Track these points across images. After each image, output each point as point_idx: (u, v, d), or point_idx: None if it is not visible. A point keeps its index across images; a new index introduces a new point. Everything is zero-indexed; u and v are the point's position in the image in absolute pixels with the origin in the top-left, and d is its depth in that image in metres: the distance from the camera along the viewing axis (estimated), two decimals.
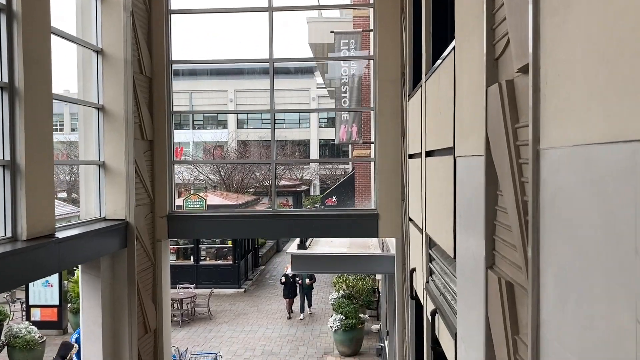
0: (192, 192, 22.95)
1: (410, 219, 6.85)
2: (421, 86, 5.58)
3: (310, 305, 18.93)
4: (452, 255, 3.89)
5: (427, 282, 5.35)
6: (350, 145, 23.50)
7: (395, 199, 7.93)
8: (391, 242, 10.12)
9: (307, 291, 18.86)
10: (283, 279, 18.72)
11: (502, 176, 2.55)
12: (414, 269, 6.38)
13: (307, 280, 18.66)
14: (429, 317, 4.89)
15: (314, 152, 65.73)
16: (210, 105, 66.54)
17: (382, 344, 14.99)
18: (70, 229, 6.45)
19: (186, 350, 12.75)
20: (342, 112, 17.05)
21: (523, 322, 2.33)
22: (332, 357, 14.93)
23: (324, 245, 10.26)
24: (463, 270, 3.54)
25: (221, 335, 16.93)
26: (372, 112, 8.21)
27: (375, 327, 17.22)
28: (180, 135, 58.07)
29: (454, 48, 3.79)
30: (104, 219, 7.33)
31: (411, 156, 6.69)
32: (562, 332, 1.80)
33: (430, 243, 5.37)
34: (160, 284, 8.25)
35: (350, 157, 25.36)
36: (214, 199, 24.17)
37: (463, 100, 3.51)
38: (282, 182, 46.87)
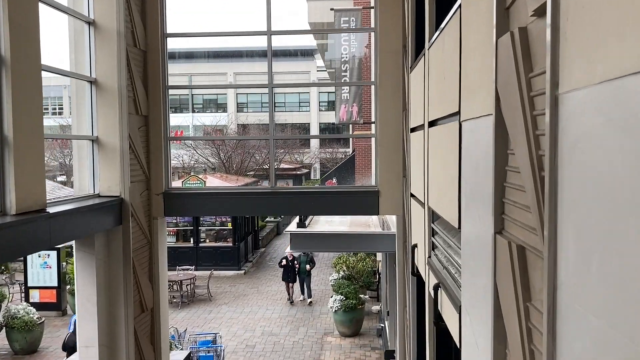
0: (191, 174, 22.74)
1: (412, 195, 6.68)
2: (424, 54, 5.36)
3: (310, 295, 18.15)
4: (456, 226, 3.72)
5: (429, 257, 5.19)
6: (350, 126, 23.26)
7: (396, 176, 7.75)
8: (392, 220, 9.96)
9: (305, 277, 18.12)
10: (283, 262, 18.23)
11: (514, 133, 2.36)
12: (415, 245, 6.22)
13: (306, 266, 18.03)
14: (432, 292, 4.73)
15: (314, 133, 65.48)
16: (210, 88, 66.04)
17: (383, 325, 14.92)
18: (62, 204, 6.27)
19: (185, 330, 12.67)
20: (343, 92, 16.80)
21: (536, 288, 2.16)
22: (332, 337, 14.86)
23: (323, 225, 10.11)
24: (468, 239, 3.37)
25: (221, 317, 16.87)
26: (372, 87, 7.99)
27: (375, 308, 17.15)
28: (179, 119, 57.77)
29: (459, 6, 3.58)
30: (98, 196, 7.16)
31: (413, 130, 6.49)
32: (585, 294, 1.63)
33: (433, 217, 5.20)
34: (156, 262, 8.10)
35: (351, 140, 25.12)
36: (213, 181, 24.00)
37: (469, 60, 3.31)
38: (283, 165, 46.73)
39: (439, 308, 4.53)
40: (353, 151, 23.53)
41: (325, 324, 15.96)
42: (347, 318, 14.60)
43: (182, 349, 10.67)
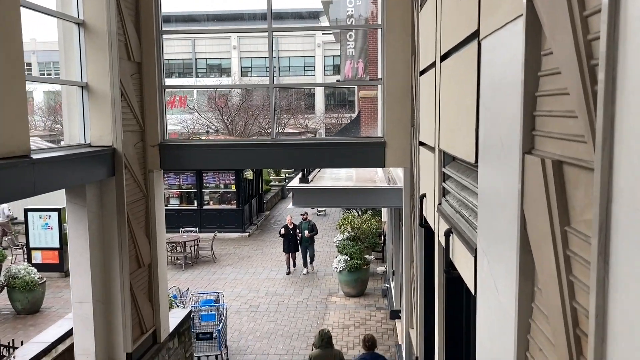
0: (195, 137, 22.34)
1: (421, 143, 6.28)
2: None
3: (312, 260, 17.26)
4: (472, 161, 3.34)
5: (440, 204, 4.82)
6: (355, 88, 22.66)
7: (404, 125, 7.33)
8: (398, 176, 9.58)
9: (308, 245, 17.16)
10: (282, 231, 17.14)
11: (552, 25, 1.94)
12: (423, 195, 5.85)
13: (306, 232, 16.97)
14: (442, 241, 4.39)
15: (320, 100, 64.74)
16: (213, 53, 65.01)
17: (388, 285, 14.71)
18: (49, 152, 5.91)
19: (187, 290, 12.48)
20: (348, 47, 16.27)
21: (577, 208, 1.78)
22: (337, 297, 14.68)
23: (327, 181, 9.74)
24: (487, 173, 2.99)
25: (225, 277, 16.72)
26: (379, 30, 7.50)
27: (380, 269, 16.94)
28: (185, 83, 57.00)
29: None
30: (89, 146, 6.79)
31: (423, 72, 6.05)
32: None
33: (444, 161, 4.81)
34: (153, 217, 7.78)
35: (356, 98, 24.52)
36: None
37: None
38: (287, 130, 46.23)
39: (450, 256, 4.18)
40: (358, 111, 23.03)
41: (330, 285, 15.77)
42: (351, 278, 14.39)
43: (183, 308, 10.45)
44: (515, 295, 2.37)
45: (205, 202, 22.68)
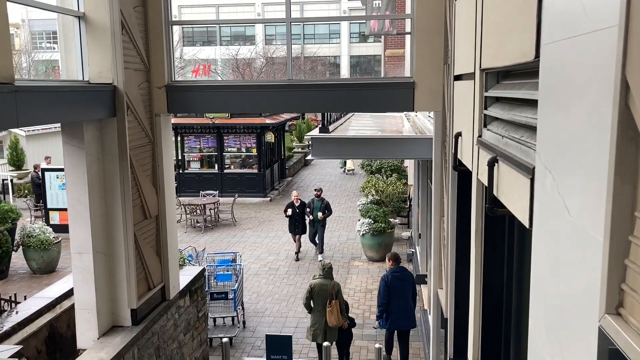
0: None
1: (457, 77, 5.52)
2: None
3: (321, 250, 14.40)
4: (532, 55, 2.60)
5: (480, 135, 4.10)
6: (382, 39, 21.70)
7: (436, 64, 6.55)
8: (426, 128, 8.81)
9: (320, 227, 14.51)
10: (289, 211, 14.60)
11: None
12: (458, 134, 5.11)
13: (319, 214, 14.36)
14: (484, 175, 3.68)
15: (345, 69, 63.52)
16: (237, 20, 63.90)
17: (413, 250, 14.06)
18: (38, 82, 5.31)
19: (203, 250, 12.01)
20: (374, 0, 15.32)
21: None
22: (359, 262, 14.10)
23: (350, 132, 9.01)
24: (556, 55, 2.26)
25: (245, 241, 16.26)
26: None
27: (405, 234, 16.29)
28: (209, 52, 56.30)
29: None
30: (88, 83, 6.18)
31: None
32: None
33: (486, 84, 4.06)
34: (160, 165, 7.20)
35: (382, 56, 23.55)
36: None
37: None
38: None
39: (494, 191, 3.47)
40: (385, 75, 22.09)
41: (353, 249, 15.18)
42: (375, 242, 13.77)
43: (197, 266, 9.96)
44: (604, 208, 1.66)
45: (226, 166, 22.19)
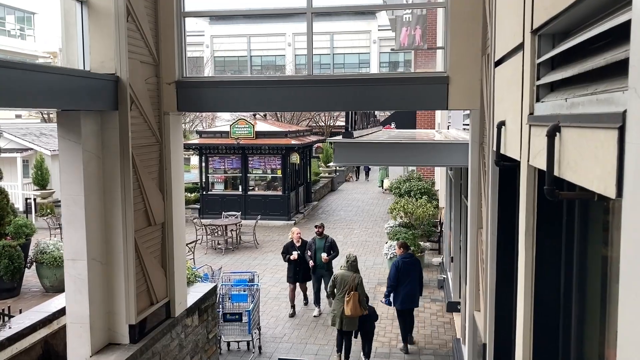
0: (240, 118, 21.36)
1: (498, 62, 4.81)
2: None
3: (318, 302, 11.56)
4: None
5: (531, 113, 3.37)
6: (412, 55, 21.10)
7: (473, 56, 5.85)
8: (460, 136, 8.06)
9: (325, 274, 11.34)
10: (295, 255, 11.52)
11: None
12: (501, 123, 4.37)
13: (323, 255, 11.26)
14: (542, 150, 2.94)
15: (377, 115, 63.05)
16: (269, 50, 64.70)
17: (445, 276, 13.13)
18: (22, 58, 4.79)
19: (220, 269, 11.33)
20: (404, 13, 14.76)
21: None
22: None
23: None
24: None
25: (266, 263, 15.54)
26: None
27: (436, 260, 15.36)
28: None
29: None
30: (89, 73, 5.66)
31: None
32: None
33: (539, 51, 3.35)
34: (169, 168, 6.60)
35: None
36: (263, 126, 22.57)
37: None
38: (339, 123, 44.97)
39: (555, 170, 2.72)
40: None
41: (380, 274, 14.30)
42: None
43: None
44: None
45: (250, 188, 21.66)
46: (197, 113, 35.40)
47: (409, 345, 9.68)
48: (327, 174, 32.81)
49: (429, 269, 14.61)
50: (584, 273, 3.22)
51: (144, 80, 6.15)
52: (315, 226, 12.00)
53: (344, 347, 9.09)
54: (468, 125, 6.89)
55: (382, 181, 28.34)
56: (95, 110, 5.57)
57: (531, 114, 3.41)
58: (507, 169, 4.50)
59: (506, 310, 5.14)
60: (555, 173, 2.72)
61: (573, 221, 3.29)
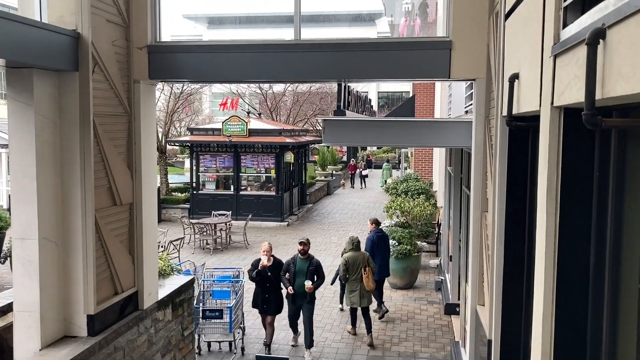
0: (233, 115, 20.70)
1: (508, 14, 4.18)
2: None
3: (310, 344, 8.74)
4: None
5: (556, 42, 2.72)
6: None
7: (479, 15, 5.22)
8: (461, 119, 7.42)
9: (305, 305, 8.82)
10: (263, 262, 8.76)
11: None
12: (514, 76, 3.73)
13: (306, 282, 8.63)
14: (571, 81, 2.29)
15: (373, 106, 62.65)
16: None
17: (442, 277, 12.45)
18: None
19: (203, 265, 10.64)
20: (404, 2, 14.20)
21: None
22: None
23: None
24: None
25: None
26: None
27: (434, 262, 14.67)
28: (241, 87, 55.83)
29: None
30: (43, 23, 5.00)
31: None
32: None
33: None
34: (138, 143, 5.93)
35: None
36: (256, 123, 21.95)
37: None
38: None
39: (598, 90, 2.07)
40: (413, 95, 20.87)
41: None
42: (399, 267, 12.20)
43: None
44: None
45: (243, 188, 20.97)
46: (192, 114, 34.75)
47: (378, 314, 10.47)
48: (323, 177, 32.17)
49: (426, 271, 13.93)
50: (621, 245, 2.57)
51: (111, 42, 5.50)
52: (300, 242, 9.08)
53: (364, 322, 9.43)
54: (471, 104, 6.25)
55: (386, 181, 27.87)
56: (51, 69, 4.91)
57: (556, 43, 2.76)
58: (520, 130, 3.87)
59: (515, 301, 4.48)
60: (598, 95, 2.07)
61: (609, 174, 2.63)
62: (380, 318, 10.41)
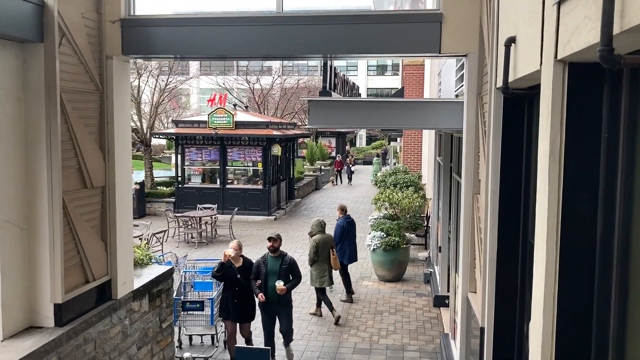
0: (219, 107, 20.29)
1: None
2: None
3: (288, 340, 7.81)
4: None
5: (562, 0, 2.44)
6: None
7: None
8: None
9: (281, 310, 7.70)
10: (228, 252, 7.59)
11: None
12: (511, 40, 3.45)
13: (277, 283, 7.44)
14: (581, 22, 2.01)
15: (362, 72, 63.45)
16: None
17: (432, 270, 12.20)
18: None
19: (185, 256, 10.30)
20: None
21: None
22: (369, 282, 12.24)
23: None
24: None
25: None
26: None
27: (422, 255, 14.45)
28: (228, 80, 55.49)
29: None
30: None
31: None
32: None
33: None
34: (111, 123, 5.60)
35: (400, 67, 22.04)
36: (243, 116, 21.60)
37: None
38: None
39: (617, 21, 1.79)
40: (402, 86, 20.60)
41: (362, 269, 13.35)
42: (387, 259, 11.94)
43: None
44: None
45: (229, 181, 20.60)
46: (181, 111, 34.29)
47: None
48: (311, 172, 31.86)
49: (415, 264, 13.69)
50: (632, 215, 2.29)
51: (80, 14, 5.16)
52: (269, 238, 7.85)
53: (325, 302, 9.76)
54: (462, 87, 5.98)
55: (376, 174, 27.54)
56: (12, 39, 4.56)
57: (561, 1, 2.47)
58: (517, 98, 3.59)
59: (509, 285, 4.22)
60: (616, 28, 1.79)
61: (619, 135, 2.35)
62: (344, 301, 10.74)
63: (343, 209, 11.33)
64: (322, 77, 6.36)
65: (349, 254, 10.91)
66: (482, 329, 4.42)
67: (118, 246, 5.73)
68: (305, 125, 39.90)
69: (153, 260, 7.36)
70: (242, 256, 7.92)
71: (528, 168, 4.03)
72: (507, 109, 4.07)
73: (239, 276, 7.62)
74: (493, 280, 4.32)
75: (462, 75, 5.91)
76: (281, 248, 8.07)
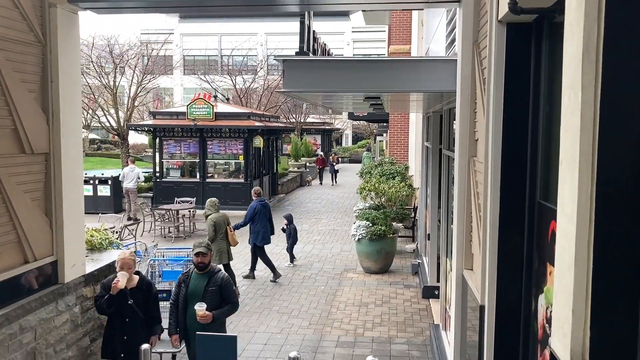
0: (199, 97, 19.51)
1: None
2: None
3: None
4: None
5: None
6: (387, 42, 19.48)
7: None
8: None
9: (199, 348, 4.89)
10: (106, 303, 5.16)
11: None
12: None
13: (197, 307, 5.19)
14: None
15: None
16: (241, 50, 62.80)
17: (420, 261, 11.60)
18: None
19: (155, 245, 9.59)
20: None
21: None
22: (354, 273, 11.59)
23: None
24: None
25: None
26: None
27: (410, 246, 13.84)
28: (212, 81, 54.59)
29: None
30: None
31: None
32: None
33: None
34: (56, 81, 4.89)
35: (386, 53, 21.42)
36: (223, 107, 20.87)
37: None
38: (309, 120, 43.34)
39: None
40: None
41: (347, 260, 12.72)
42: (373, 249, 11.30)
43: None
44: None
45: (209, 175, 19.85)
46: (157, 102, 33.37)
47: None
48: (296, 169, 31.17)
49: (402, 255, 13.08)
50: None
51: None
52: (197, 253, 5.54)
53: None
54: (454, 34, 5.35)
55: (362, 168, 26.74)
56: None
57: None
58: (523, 30, 2.96)
59: (514, 255, 3.59)
60: None
61: None
62: (246, 278, 11.28)
63: (257, 193, 11.82)
64: (299, 37, 5.70)
65: (262, 236, 11.25)
66: (481, 308, 3.79)
67: (65, 223, 5.02)
68: (291, 120, 39.16)
69: (114, 245, 6.65)
70: (137, 273, 5.48)
71: (535, 115, 3.41)
72: (510, 47, 3.45)
73: (130, 302, 5.21)
74: (495, 251, 3.68)
75: (453, 26, 5.29)
76: None
